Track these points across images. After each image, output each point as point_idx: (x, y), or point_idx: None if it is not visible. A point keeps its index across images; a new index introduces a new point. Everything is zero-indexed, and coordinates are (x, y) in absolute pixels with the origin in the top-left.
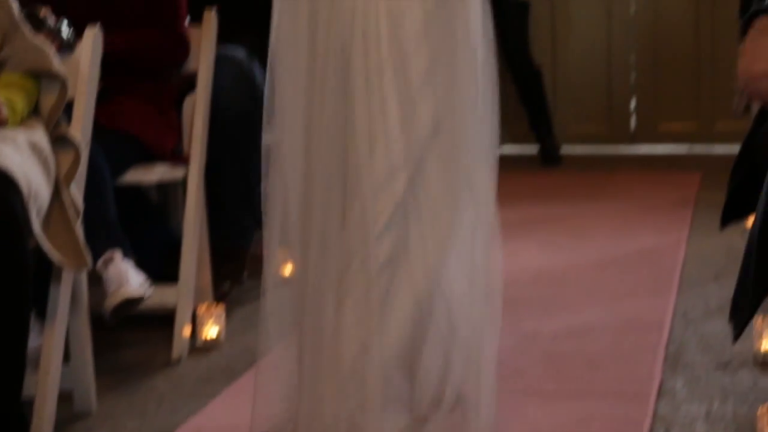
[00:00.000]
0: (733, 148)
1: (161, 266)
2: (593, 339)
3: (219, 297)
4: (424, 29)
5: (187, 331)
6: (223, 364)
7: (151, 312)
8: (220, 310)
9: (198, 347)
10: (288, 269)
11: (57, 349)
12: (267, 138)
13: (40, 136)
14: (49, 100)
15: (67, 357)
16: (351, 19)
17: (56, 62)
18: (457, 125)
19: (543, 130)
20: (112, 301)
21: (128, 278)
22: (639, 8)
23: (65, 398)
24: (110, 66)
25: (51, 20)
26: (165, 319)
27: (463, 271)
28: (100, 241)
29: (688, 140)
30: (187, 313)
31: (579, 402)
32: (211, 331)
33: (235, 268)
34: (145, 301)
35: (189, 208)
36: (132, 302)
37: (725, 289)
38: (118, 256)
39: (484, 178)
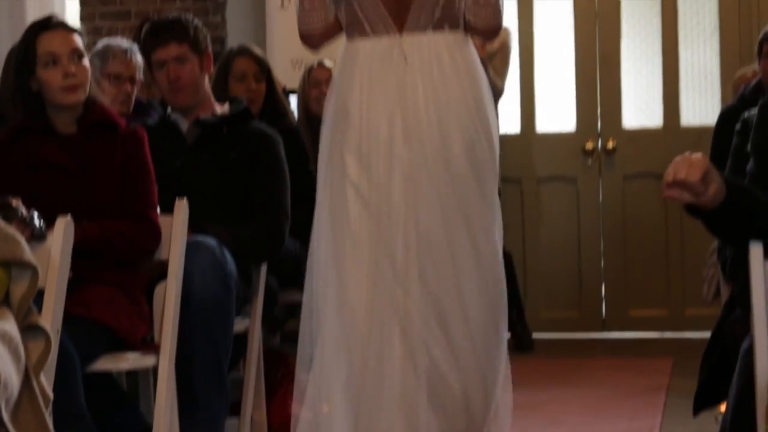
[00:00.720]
0: (704, 334)
1: None
2: None
3: None
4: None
5: None
6: None
7: None
8: None
9: None
10: None
11: None
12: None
13: (10, 325)
14: (19, 289)
15: None
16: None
17: (27, 251)
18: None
19: (514, 316)
20: None
21: None
22: (607, 196)
23: None
24: (81, 255)
25: (22, 210)
26: None
27: None
28: (69, 431)
29: (659, 326)
30: None
31: None
32: None
33: None
34: None
35: (160, 396)
36: None
37: None
38: None
39: None
